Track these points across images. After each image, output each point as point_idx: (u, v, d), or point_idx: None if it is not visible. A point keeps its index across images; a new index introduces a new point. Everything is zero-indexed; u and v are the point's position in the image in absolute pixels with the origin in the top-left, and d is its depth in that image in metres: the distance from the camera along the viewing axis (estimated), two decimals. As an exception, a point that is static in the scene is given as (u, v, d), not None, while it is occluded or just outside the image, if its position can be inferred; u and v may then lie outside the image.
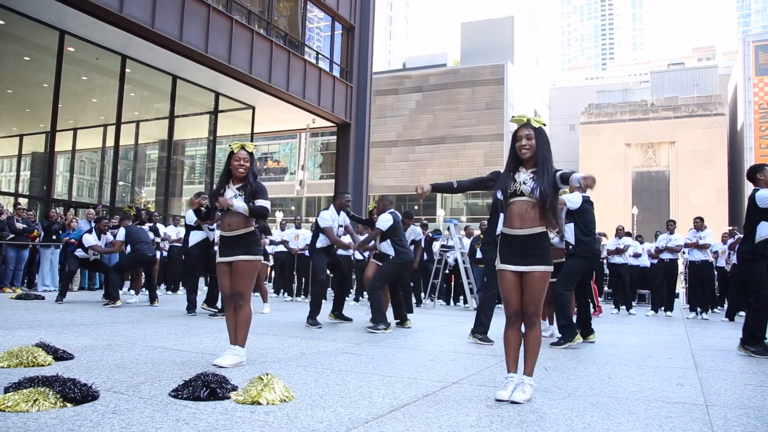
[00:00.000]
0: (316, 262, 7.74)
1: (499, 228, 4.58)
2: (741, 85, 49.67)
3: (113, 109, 16.92)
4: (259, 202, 4.51)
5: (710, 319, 11.06)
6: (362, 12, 23.75)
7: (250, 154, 4.60)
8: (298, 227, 13.99)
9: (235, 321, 4.43)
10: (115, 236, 10.21)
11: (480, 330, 6.36)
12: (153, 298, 9.94)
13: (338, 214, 7.75)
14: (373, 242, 7.81)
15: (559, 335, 6.29)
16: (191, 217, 8.94)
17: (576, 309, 6.87)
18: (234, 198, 4.48)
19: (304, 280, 13.31)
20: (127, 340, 5.54)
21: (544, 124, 3.76)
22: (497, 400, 3.47)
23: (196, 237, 8.97)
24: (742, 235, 11.24)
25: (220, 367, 4.17)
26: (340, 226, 7.82)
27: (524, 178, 3.67)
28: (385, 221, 7.48)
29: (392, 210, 7.72)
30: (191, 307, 8.68)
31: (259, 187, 4.55)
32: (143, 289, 10.53)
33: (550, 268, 3.67)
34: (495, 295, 6.53)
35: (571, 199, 6.46)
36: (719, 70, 59.72)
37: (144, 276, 10.31)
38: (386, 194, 49.80)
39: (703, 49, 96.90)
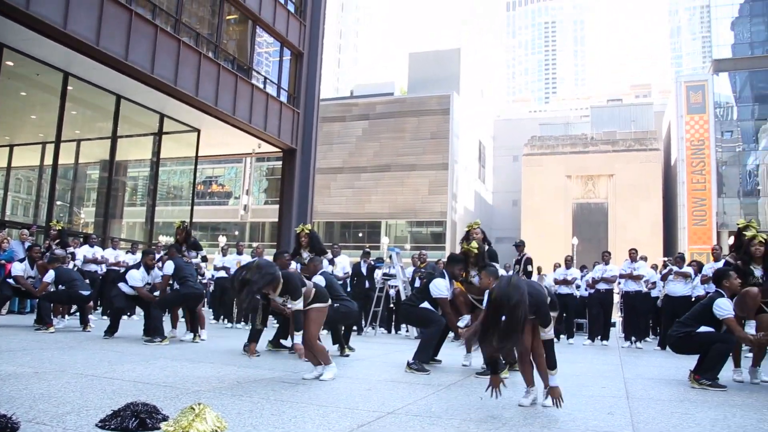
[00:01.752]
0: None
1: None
2: (674, 122, 51.61)
3: (53, 126, 16.44)
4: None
5: (644, 348, 11.36)
6: (311, 39, 23.87)
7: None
8: (239, 253, 13.82)
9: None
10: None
11: (421, 358, 6.44)
12: (85, 323, 9.63)
13: None
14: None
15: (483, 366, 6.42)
16: (137, 278, 8.82)
17: None
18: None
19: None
20: (56, 367, 5.36)
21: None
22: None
23: (134, 280, 8.84)
24: (673, 267, 11.70)
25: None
26: None
27: None
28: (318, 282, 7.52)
29: (323, 271, 7.77)
30: (110, 331, 8.58)
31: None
32: (75, 313, 10.23)
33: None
34: (441, 328, 6.82)
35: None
36: (654, 107, 61.92)
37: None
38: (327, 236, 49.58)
39: (640, 87, 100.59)
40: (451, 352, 7.57)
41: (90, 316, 9.90)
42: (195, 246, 9.44)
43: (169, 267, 8.70)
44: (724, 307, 6.00)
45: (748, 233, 6.78)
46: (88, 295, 9.69)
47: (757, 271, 6.55)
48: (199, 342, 8.65)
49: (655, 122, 58.32)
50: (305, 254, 8.26)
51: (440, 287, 6.82)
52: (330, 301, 5.83)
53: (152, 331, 8.32)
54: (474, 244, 7.11)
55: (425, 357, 6.52)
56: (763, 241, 6.59)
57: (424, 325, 7.13)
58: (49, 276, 9.34)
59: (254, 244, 21.20)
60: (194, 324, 8.91)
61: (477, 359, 7.00)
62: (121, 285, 9.03)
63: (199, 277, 10.77)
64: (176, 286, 8.74)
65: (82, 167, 19.34)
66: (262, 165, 50.29)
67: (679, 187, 49.15)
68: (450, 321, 6.94)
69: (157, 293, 9.04)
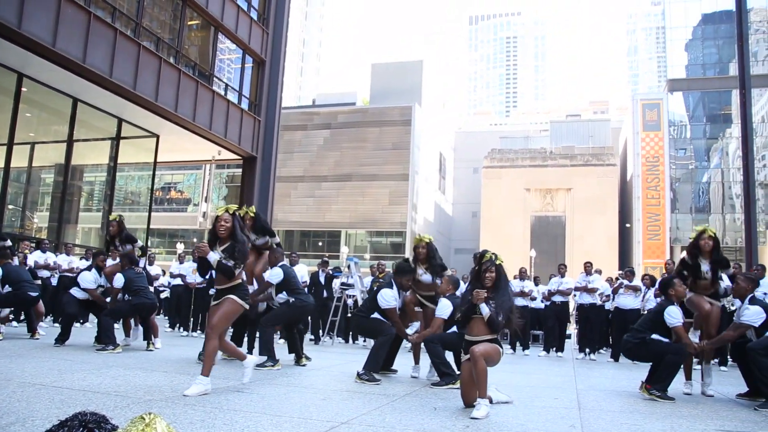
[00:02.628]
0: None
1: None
2: (630, 138, 52.82)
3: (5, 128, 16.01)
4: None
5: (597, 360, 11.55)
6: (273, 47, 23.79)
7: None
8: (195, 261, 13.64)
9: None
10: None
11: (371, 368, 6.43)
12: (32, 330, 9.33)
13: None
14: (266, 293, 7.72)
15: (438, 378, 6.48)
16: (89, 279, 8.68)
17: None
18: None
19: (200, 315, 12.93)
20: (1, 376, 5.21)
21: (503, 261, 5.20)
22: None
23: (86, 282, 8.69)
24: (623, 280, 11.96)
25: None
26: None
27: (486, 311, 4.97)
28: (275, 275, 7.47)
29: (282, 263, 7.71)
30: (61, 338, 8.37)
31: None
32: (23, 320, 9.93)
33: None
34: (390, 338, 6.81)
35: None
36: (612, 124, 63.26)
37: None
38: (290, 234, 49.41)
39: (598, 103, 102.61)
40: (407, 362, 7.59)
41: (41, 324, 9.64)
42: (129, 239, 9.09)
43: (119, 280, 8.50)
44: (674, 316, 6.21)
45: (699, 228, 7.02)
46: (36, 296, 9.30)
47: (704, 266, 6.76)
48: (153, 350, 8.52)
49: (612, 138, 59.56)
50: (252, 236, 7.94)
51: (387, 298, 6.84)
52: (248, 305, 5.68)
53: (104, 339, 8.15)
54: (426, 236, 7.19)
55: (375, 367, 6.51)
56: (712, 235, 6.82)
57: (373, 336, 7.12)
58: None
59: (212, 252, 20.96)
60: (147, 332, 8.77)
61: (425, 371, 7.06)
62: (74, 290, 8.84)
63: (155, 284, 10.50)
64: (128, 297, 8.56)
65: (36, 171, 18.88)
66: (222, 172, 49.79)
67: (635, 201, 50.26)
68: (399, 329, 6.96)
69: (109, 299, 8.88)
